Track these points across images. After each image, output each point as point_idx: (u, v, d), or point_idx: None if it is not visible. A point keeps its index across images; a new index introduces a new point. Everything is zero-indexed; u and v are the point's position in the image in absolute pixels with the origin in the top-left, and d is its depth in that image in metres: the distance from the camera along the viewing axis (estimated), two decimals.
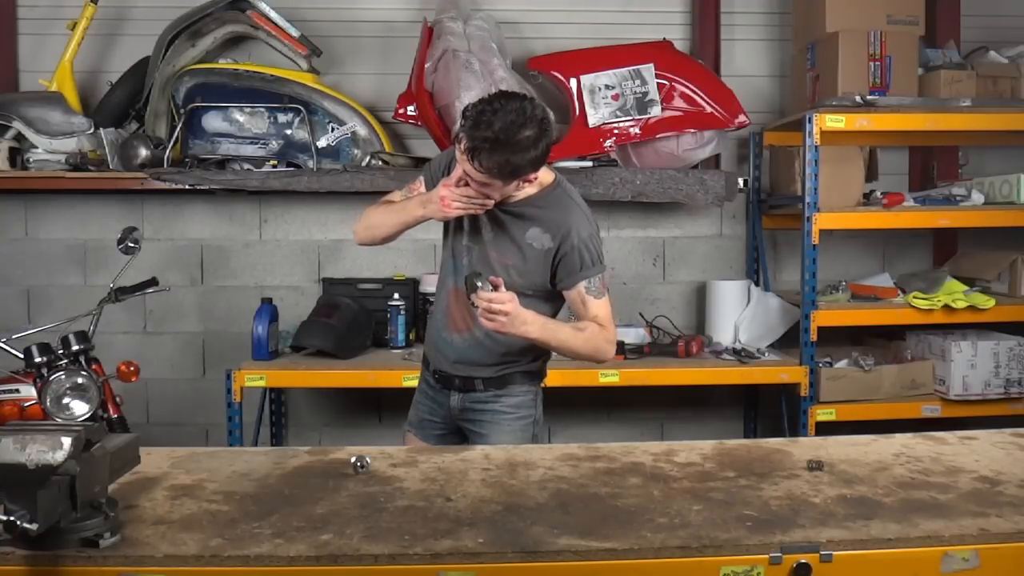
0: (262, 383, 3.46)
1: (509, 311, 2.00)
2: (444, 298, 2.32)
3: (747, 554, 1.41)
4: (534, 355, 2.31)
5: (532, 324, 2.06)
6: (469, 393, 2.30)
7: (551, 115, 2.14)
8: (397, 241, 4.01)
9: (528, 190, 2.17)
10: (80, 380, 2.89)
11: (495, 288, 2.01)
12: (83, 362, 2.97)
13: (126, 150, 3.64)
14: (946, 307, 3.50)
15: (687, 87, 3.73)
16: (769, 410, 4.09)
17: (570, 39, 3.99)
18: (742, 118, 3.74)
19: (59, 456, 1.30)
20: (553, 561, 1.38)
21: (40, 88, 3.79)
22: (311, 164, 3.74)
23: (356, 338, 3.66)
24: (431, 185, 2.27)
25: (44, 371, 2.90)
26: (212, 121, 3.78)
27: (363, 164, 3.75)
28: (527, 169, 2.05)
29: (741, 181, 3.95)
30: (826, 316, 3.49)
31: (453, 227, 2.28)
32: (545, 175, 2.20)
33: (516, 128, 1.96)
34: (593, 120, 3.70)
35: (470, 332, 2.25)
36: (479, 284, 2.00)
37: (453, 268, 2.29)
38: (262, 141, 3.80)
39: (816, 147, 3.39)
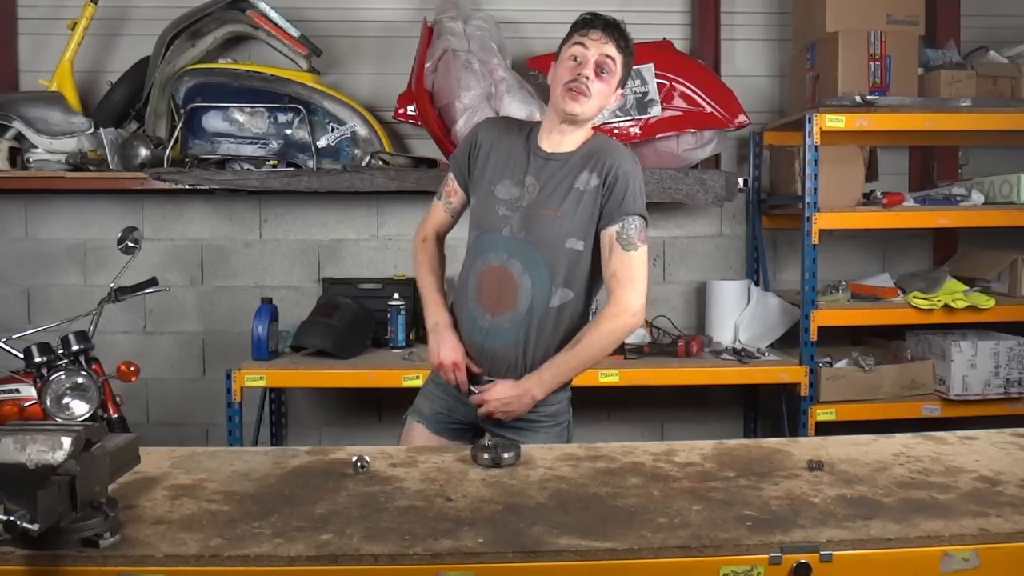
0: (262, 383, 3.46)
1: (501, 395, 2.12)
2: (474, 276, 2.19)
3: (747, 554, 1.41)
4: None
5: (534, 385, 2.13)
6: None
7: None
8: (397, 241, 4.12)
9: (575, 137, 2.16)
10: (80, 380, 2.89)
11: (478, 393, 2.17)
12: (83, 362, 2.97)
13: (126, 150, 3.64)
14: (946, 307, 3.50)
15: (687, 87, 3.73)
16: (769, 410, 4.09)
17: None
18: (742, 118, 3.74)
19: (59, 456, 1.30)
20: (553, 561, 1.38)
21: (40, 88, 3.79)
22: (311, 164, 3.74)
23: (356, 338, 3.66)
24: (462, 178, 2.26)
25: (44, 371, 2.90)
26: (212, 121, 3.78)
27: (363, 164, 3.75)
28: (629, 55, 2.14)
29: (741, 181, 3.95)
30: (826, 316, 3.49)
31: (484, 204, 2.18)
32: (587, 130, 2.20)
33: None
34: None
35: (510, 312, 2.14)
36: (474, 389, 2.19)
37: (484, 245, 2.18)
38: (262, 141, 3.80)
39: (816, 147, 3.39)
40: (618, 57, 2.12)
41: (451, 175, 2.30)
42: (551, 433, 2.22)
